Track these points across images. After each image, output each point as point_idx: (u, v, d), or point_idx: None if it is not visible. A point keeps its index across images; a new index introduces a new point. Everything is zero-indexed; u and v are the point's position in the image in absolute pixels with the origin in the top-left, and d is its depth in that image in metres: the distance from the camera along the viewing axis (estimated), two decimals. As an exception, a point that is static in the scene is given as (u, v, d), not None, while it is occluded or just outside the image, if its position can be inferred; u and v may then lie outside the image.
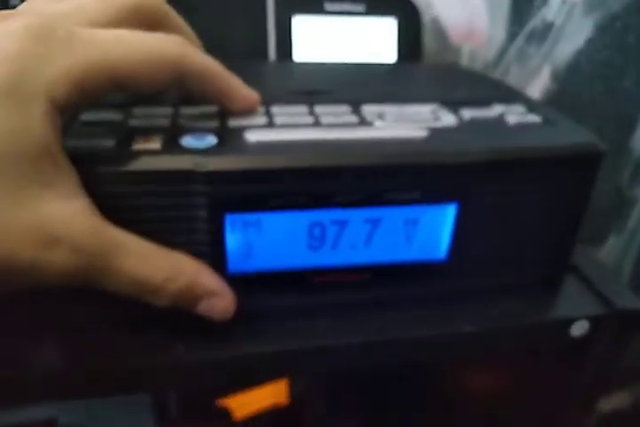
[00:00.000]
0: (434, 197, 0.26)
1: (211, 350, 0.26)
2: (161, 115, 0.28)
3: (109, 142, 0.24)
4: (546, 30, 0.58)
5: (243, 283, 0.26)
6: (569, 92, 0.56)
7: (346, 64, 0.42)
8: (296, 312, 0.27)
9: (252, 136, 0.25)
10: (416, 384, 0.55)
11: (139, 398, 0.56)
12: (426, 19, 0.64)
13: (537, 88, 0.59)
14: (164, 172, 0.23)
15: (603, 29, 0.53)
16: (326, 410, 0.69)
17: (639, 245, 0.55)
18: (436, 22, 0.65)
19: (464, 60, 0.65)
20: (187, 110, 0.28)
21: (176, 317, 0.25)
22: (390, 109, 0.30)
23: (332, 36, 0.50)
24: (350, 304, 0.28)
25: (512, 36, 0.62)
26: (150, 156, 0.24)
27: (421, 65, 0.52)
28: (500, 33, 0.63)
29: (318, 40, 0.49)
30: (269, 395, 0.68)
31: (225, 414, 0.64)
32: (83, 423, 0.52)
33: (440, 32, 0.65)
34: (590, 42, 0.54)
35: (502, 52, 0.63)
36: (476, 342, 0.28)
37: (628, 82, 0.52)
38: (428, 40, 0.64)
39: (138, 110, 0.28)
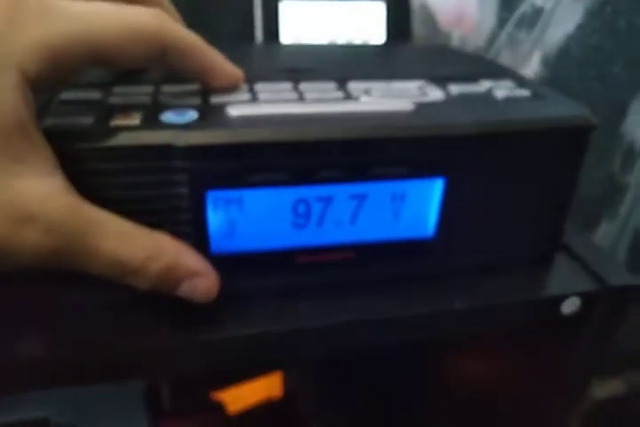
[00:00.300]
0: (421, 171, 0.25)
1: (194, 333, 0.25)
2: (141, 93, 0.27)
3: (87, 119, 0.24)
4: (536, 15, 0.58)
5: (226, 263, 0.25)
6: (559, 78, 0.56)
7: (333, 45, 0.42)
8: (281, 293, 0.27)
9: (234, 111, 0.25)
10: (407, 371, 0.55)
11: (130, 393, 0.55)
12: (415, 4, 0.63)
13: (527, 74, 0.58)
14: (142, 147, 0.23)
15: (593, 14, 0.52)
16: (319, 403, 0.69)
17: (632, 232, 0.54)
18: (425, 8, 0.64)
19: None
20: (168, 88, 0.28)
21: (159, 300, 0.24)
22: (377, 86, 0.29)
23: (319, 20, 0.50)
24: (336, 284, 0.27)
25: (502, 21, 0.61)
26: (129, 131, 0.23)
27: (409, 45, 0.51)
28: (490, 18, 0.62)
29: (306, 24, 0.49)
30: (263, 388, 0.67)
31: (219, 408, 0.63)
32: (75, 421, 0.51)
33: (429, 17, 0.65)
34: (580, 27, 0.54)
35: (492, 38, 0.62)
36: (466, 319, 0.28)
37: (618, 67, 0.51)
38: (418, 26, 0.64)
39: (118, 89, 0.27)
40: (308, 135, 0.24)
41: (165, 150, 0.23)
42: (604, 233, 0.56)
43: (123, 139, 0.23)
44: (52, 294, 0.26)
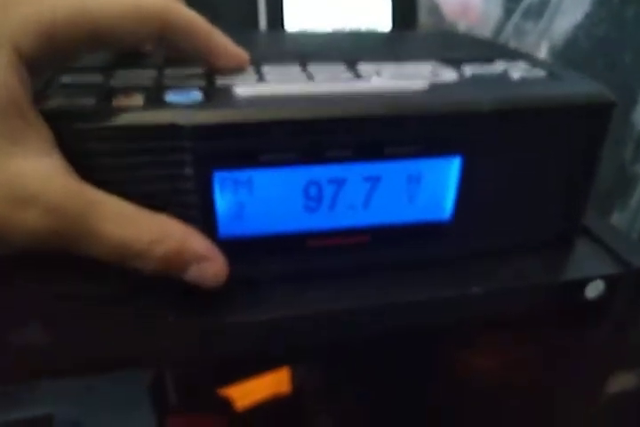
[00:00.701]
0: (436, 149, 0.24)
1: (201, 320, 0.24)
2: (144, 76, 0.26)
3: (89, 100, 0.23)
4: (542, 6, 0.57)
5: (234, 247, 0.24)
6: (568, 68, 0.55)
7: (339, 32, 0.41)
8: (292, 278, 0.26)
9: (241, 90, 0.24)
10: (418, 365, 0.54)
11: (137, 389, 0.54)
12: (420, -6, 0.62)
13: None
14: (145, 127, 0.22)
15: (600, 3, 0.51)
16: (328, 398, 0.68)
17: (643, 222, 0.53)
18: (430, -2, 0.63)
19: (460, 37, 0.64)
20: (171, 72, 0.27)
21: (164, 285, 0.23)
22: (388, 67, 0.28)
23: (324, 9, 0.49)
24: (349, 269, 0.26)
25: (508, 11, 0.60)
26: (132, 111, 0.22)
27: (417, 32, 0.51)
28: (496, 9, 0.61)
29: (310, 12, 0.48)
30: (271, 384, 0.67)
31: (226, 404, 0.62)
32: (80, 418, 0.51)
33: (434, 7, 0.64)
34: (588, 16, 0.53)
35: (499, 29, 0.61)
36: (485, 304, 0.27)
37: (627, 56, 0.50)
38: (423, 16, 0.63)
39: (119, 73, 0.26)
40: (319, 113, 0.23)
41: (170, 130, 0.22)
42: (616, 224, 0.55)
43: (125, 119, 0.22)
44: (51, 283, 0.25)
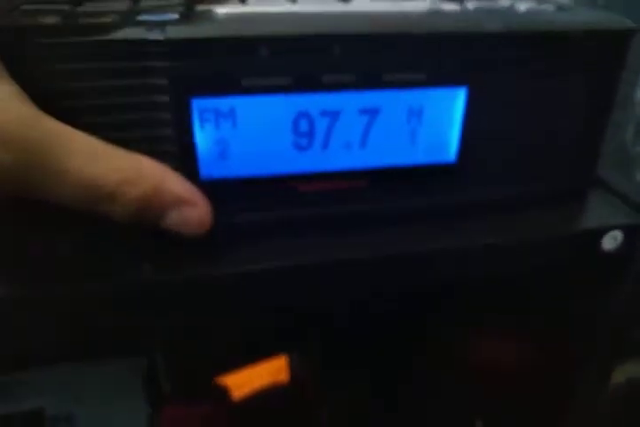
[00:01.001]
0: (440, 78, 0.22)
1: (182, 270, 0.22)
2: (116, 6, 0.23)
3: (53, 19, 0.20)
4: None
5: (218, 191, 0.22)
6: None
7: None
8: (281, 226, 0.23)
9: (222, 10, 0.21)
10: (421, 352, 0.51)
11: (130, 379, 0.52)
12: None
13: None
14: (114, 42, 0.19)
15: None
16: (327, 387, 0.66)
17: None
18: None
19: None
20: (147, 2, 0.24)
21: (141, 234, 0.21)
22: (383, 3, 0.26)
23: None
24: (344, 217, 0.24)
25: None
26: (100, 28, 0.20)
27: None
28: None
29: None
30: (269, 373, 0.65)
31: (223, 393, 0.60)
32: (71, 412, 0.48)
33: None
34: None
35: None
36: (495, 257, 0.24)
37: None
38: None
39: (89, 4, 0.24)
40: (309, 29, 0.20)
41: (141, 47, 0.19)
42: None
43: (91, 34, 0.19)
44: (22, 235, 0.22)
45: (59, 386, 0.46)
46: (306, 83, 0.21)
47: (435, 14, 0.23)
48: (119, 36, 0.19)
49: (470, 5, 0.26)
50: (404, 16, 0.22)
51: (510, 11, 0.25)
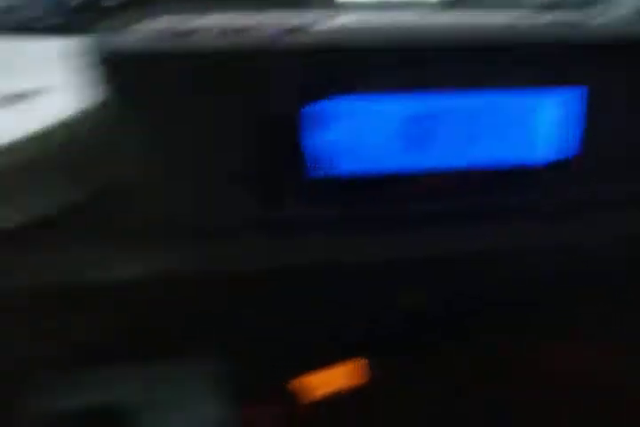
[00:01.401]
0: (555, 80, 0.23)
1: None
2: None
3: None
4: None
5: (324, 189, 0.23)
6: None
7: None
8: (384, 221, 0.24)
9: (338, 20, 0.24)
10: (501, 360, 0.51)
11: (201, 380, 0.53)
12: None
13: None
14: None
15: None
16: (403, 390, 0.66)
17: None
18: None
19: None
20: None
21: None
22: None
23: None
24: (445, 214, 0.24)
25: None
26: None
27: None
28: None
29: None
30: (345, 375, 0.65)
31: (298, 394, 0.61)
32: (141, 407, 0.49)
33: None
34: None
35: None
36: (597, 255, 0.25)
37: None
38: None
39: None
40: (419, 34, 0.22)
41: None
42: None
43: None
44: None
45: (131, 380, 0.47)
46: (415, 86, 0.22)
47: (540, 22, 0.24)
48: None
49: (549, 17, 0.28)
50: (509, 26, 0.23)
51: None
